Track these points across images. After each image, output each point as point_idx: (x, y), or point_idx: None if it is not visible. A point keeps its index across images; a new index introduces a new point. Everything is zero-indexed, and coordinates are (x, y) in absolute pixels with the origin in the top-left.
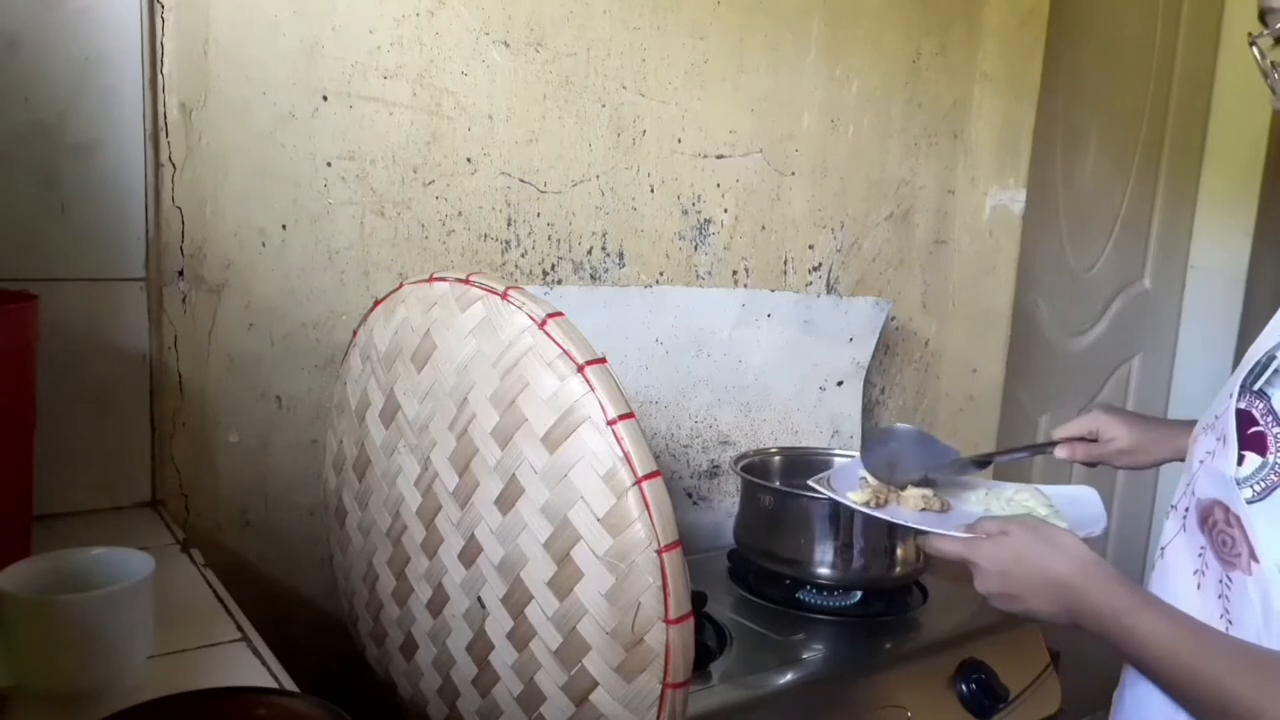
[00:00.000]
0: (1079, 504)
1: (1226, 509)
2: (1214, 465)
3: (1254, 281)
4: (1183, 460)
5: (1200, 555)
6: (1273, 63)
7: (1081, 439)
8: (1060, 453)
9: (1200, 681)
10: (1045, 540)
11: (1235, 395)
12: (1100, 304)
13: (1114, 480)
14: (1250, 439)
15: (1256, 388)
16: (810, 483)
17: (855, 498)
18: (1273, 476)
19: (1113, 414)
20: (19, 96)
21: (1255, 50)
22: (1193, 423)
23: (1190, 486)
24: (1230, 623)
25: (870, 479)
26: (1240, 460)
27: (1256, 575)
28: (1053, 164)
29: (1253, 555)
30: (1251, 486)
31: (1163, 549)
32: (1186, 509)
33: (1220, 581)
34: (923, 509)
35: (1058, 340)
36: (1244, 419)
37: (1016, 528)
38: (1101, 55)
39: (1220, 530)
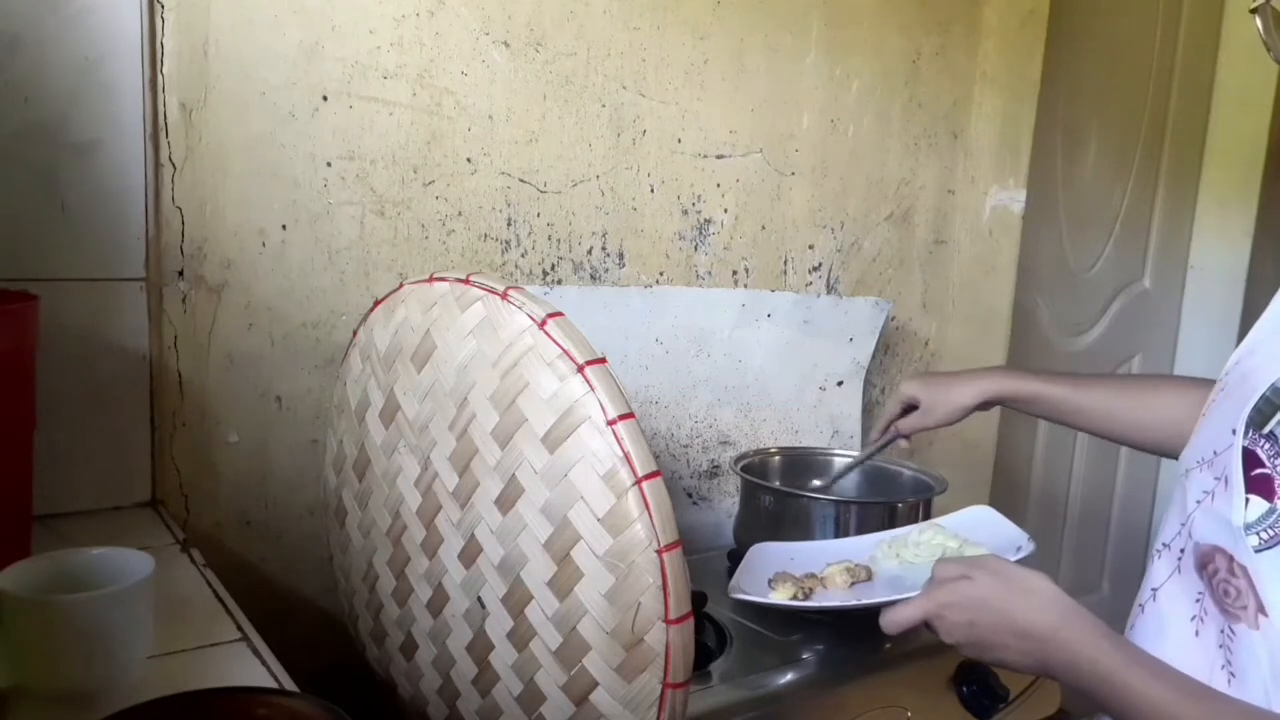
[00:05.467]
0: (987, 527)
1: (1230, 558)
2: (1214, 508)
3: (1254, 281)
4: (970, 409)
5: (1198, 601)
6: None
7: (905, 412)
8: (901, 427)
9: None
10: (1012, 585)
11: (1240, 432)
12: (1100, 304)
13: (1115, 476)
14: (1256, 481)
15: (1267, 430)
16: (730, 594)
17: (780, 596)
18: None
19: (913, 376)
20: (19, 96)
21: (1258, 20)
22: (991, 369)
23: (1186, 527)
24: (1233, 675)
25: (784, 574)
26: (1245, 504)
27: (1265, 630)
28: (1053, 164)
29: (1261, 608)
30: (1258, 534)
31: (1154, 591)
32: (1182, 550)
33: (1222, 631)
34: (852, 583)
35: (1058, 340)
36: (1249, 459)
37: (979, 571)
38: (1101, 55)
39: (1222, 579)
